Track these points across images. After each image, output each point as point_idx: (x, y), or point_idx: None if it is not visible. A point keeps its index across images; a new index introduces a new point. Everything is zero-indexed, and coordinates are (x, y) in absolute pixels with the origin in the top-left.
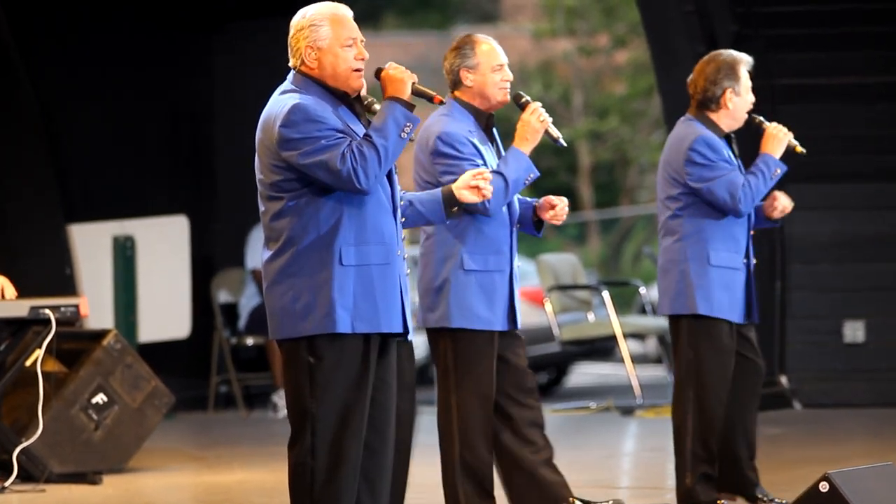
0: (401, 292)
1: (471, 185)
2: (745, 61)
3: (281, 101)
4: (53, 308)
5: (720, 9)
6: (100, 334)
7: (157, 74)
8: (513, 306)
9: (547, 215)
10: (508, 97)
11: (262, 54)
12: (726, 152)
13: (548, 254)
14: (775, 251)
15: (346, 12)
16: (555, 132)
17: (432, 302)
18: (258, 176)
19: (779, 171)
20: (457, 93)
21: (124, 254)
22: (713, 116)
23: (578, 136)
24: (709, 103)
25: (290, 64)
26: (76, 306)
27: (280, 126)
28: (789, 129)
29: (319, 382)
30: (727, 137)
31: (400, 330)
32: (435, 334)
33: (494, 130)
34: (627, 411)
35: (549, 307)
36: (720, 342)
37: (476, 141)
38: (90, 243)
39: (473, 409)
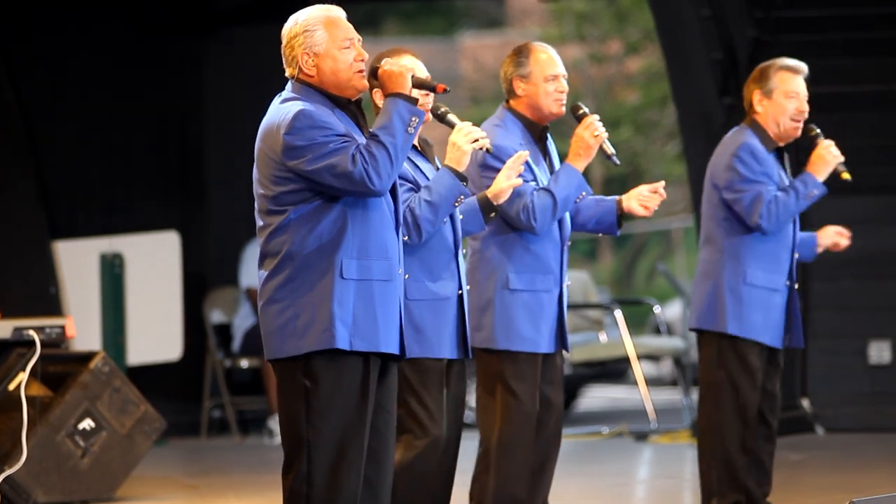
0: (399, 312)
1: (508, 174)
2: (781, 65)
3: (283, 109)
4: (38, 329)
5: (738, 14)
6: (87, 356)
7: (145, 82)
8: (562, 327)
9: (637, 203)
10: (563, 109)
11: (256, 61)
12: (773, 167)
13: None
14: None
15: (340, 13)
16: (609, 149)
17: (478, 321)
18: (258, 190)
19: (816, 192)
20: (511, 102)
21: (112, 272)
22: (761, 122)
23: None
24: (748, 110)
25: (287, 74)
26: (62, 327)
27: (284, 134)
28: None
29: (315, 407)
30: (779, 151)
31: (396, 351)
32: (480, 354)
33: (550, 144)
34: (641, 437)
35: None
36: (749, 364)
37: (527, 155)
38: (76, 261)
39: (516, 432)
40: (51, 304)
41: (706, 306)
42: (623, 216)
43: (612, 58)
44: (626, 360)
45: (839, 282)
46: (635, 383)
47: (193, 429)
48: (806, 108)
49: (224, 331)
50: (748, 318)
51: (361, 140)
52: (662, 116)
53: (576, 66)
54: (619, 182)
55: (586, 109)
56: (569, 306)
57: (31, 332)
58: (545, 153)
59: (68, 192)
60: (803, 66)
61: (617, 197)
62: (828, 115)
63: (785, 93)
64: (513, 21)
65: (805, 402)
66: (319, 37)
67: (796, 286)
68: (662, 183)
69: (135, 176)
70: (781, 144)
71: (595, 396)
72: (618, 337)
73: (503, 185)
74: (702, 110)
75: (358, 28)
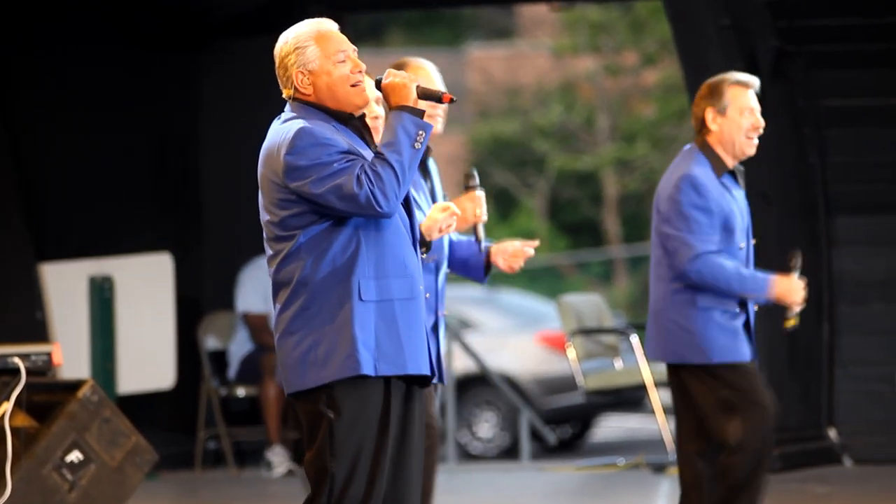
0: (426, 331)
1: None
2: (733, 80)
3: (283, 130)
4: (23, 356)
5: (760, 23)
6: (74, 385)
7: (138, 98)
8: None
9: (502, 259)
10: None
11: (256, 75)
12: (721, 196)
13: (570, 294)
14: (822, 291)
15: (331, 26)
16: (481, 234)
17: None
18: (264, 217)
19: (757, 296)
20: None
21: (102, 296)
22: (713, 142)
23: (604, 164)
24: (700, 129)
25: (284, 95)
26: (48, 354)
27: (286, 154)
28: (836, 154)
29: (339, 438)
30: (732, 173)
31: (427, 372)
32: None
33: (432, 166)
34: (659, 468)
35: (571, 353)
36: (733, 382)
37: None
38: (64, 284)
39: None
40: (37, 329)
41: (666, 340)
42: (490, 265)
43: (627, 70)
44: (643, 387)
45: (867, 305)
46: (652, 412)
47: (187, 461)
48: (761, 122)
49: (219, 358)
50: (708, 343)
51: (368, 154)
52: (680, 131)
53: (589, 78)
54: (635, 199)
55: (477, 181)
56: (583, 331)
57: (16, 360)
58: (426, 175)
59: (55, 212)
60: (754, 80)
61: (488, 245)
62: (852, 129)
63: (739, 109)
64: (523, 31)
65: (832, 432)
66: (312, 53)
67: (797, 323)
68: (535, 243)
69: (126, 194)
70: (732, 165)
71: (610, 426)
72: (634, 363)
73: (426, 222)
74: None
75: (360, 39)
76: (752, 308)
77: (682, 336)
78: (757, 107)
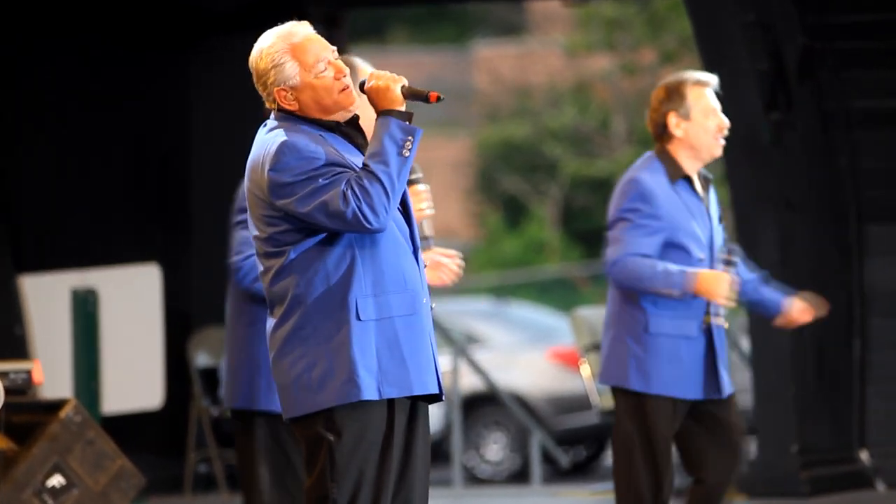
0: (431, 346)
1: None
2: (693, 81)
3: (267, 142)
4: (1, 374)
5: (786, 19)
6: (56, 405)
7: (124, 100)
8: None
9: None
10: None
11: (247, 75)
12: (671, 202)
13: (584, 307)
14: (853, 304)
15: (304, 31)
16: (426, 230)
17: None
18: (252, 232)
19: (675, 292)
20: None
21: (85, 310)
22: (672, 150)
23: (620, 170)
24: (660, 135)
25: (267, 105)
26: (28, 372)
27: (269, 170)
28: (868, 158)
29: (339, 463)
30: (689, 178)
31: (435, 391)
32: None
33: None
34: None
35: (585, 370)
36: (656, 421)
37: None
38: (45, 298)
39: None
40: (16, 346)
41: (605, 359)
42: None
43: (645, 69)
44: None
45: None
46: None
47: (176, 485)
48: (726, 122)
49: (210, 375)
50: (653, 371)
51: (360, 160)
52: None
53: (605, 78)
54: None
55: (420, 175)
56: (598, 347)
57: None
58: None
59: (36, 220)
60: (713, 78)
61: (432, 241)
62: (885, 131)
63: (703, 110)
64: (534, 28)
65: (863, 454)
66: (290, 69)
67: (725, 325)
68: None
69: (111, 201)
70: (696, 170)
71: None
72: None
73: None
74: (746, 127)
75: (362, 37)
76: (721, 336)
77: (628, 359)
78: (718, 105)
